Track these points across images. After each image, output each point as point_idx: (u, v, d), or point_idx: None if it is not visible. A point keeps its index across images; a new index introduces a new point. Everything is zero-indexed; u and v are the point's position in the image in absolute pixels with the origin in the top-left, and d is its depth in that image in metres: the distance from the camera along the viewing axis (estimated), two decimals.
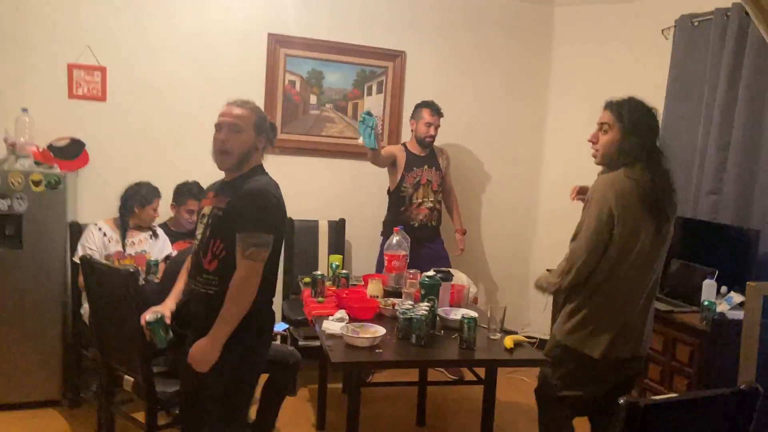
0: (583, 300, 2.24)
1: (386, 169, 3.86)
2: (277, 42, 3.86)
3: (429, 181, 3.84)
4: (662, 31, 3.84)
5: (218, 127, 2.18)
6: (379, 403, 3.55)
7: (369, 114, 3.41)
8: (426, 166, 3.84)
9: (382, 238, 3.84)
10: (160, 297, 2.76)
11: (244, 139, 2.15)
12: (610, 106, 2.30)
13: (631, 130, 2.21)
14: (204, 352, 2.00)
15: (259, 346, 2.15)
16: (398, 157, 3.82)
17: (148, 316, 2.12)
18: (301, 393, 3.58)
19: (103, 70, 3.61)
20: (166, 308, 2.20)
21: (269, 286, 2.15)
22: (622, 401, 1.30)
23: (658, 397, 1.35)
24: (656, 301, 3.12)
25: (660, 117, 3.62)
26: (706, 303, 2.84)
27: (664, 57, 3.81)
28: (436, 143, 3.91)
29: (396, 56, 4.11)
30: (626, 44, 4.15)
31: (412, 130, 3.88)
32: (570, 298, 2.29)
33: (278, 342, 3.46)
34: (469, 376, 3.14)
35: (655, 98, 3.79)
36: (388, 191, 3.89)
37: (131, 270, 2.33)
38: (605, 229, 2.15)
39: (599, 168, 2.35)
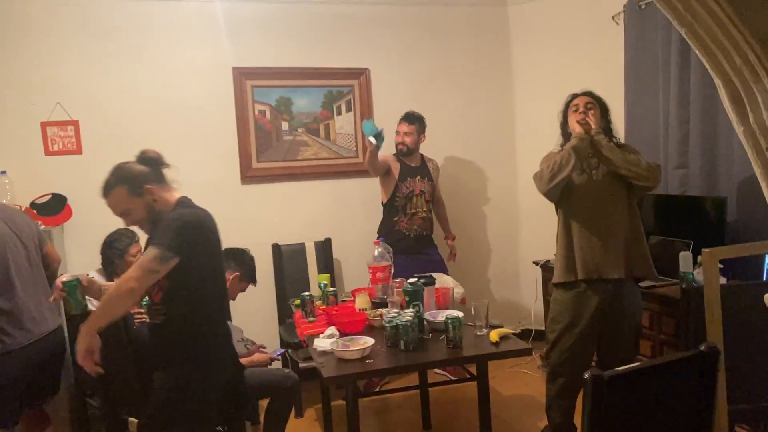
0: None
1: (378, 180, 3.94)
2: (242, 75, 3.96)
3: (422, 191, 3.89)
4: (613, 17, 3.96)
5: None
6: (385, 412, 3.61)
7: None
8: (419, 177, 3.90)
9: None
10: None
11: (137, 213, 2.15)
12: (588, 93, 2.83)
13: (605, 111, 2.80)
14: (78, 340, 1.97)
15: (201, 379, 2.11)
16: (392, 166, 3.88)
17: (65, 277, 2.13)
18: (307, 414, 3.64)
19: (75, 124, 3.70)
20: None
21: (208, 316, 2.18)
22: (586, 375, 1.37)
23: (621, 368, 1.42)
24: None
25: (622, 99, 3.86)
26: (683, 273, 2.92)
27: (618, 41, 3.92)
28: (425, 153, 4.01)
29: (360, 74, 4.21)
30: (581, 34, 4.26)
31: None
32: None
33: (276, 366, 3.51)
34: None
35: (615, 81, 3.92)
36: (382, 202, 3.95)
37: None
38: None
39: None
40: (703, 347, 1.46)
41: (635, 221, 2.72)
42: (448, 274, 3.88)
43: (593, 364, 2.83)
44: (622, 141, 2.90)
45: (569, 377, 2.74)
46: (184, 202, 2.20)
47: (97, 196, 3.66)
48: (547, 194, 2.75)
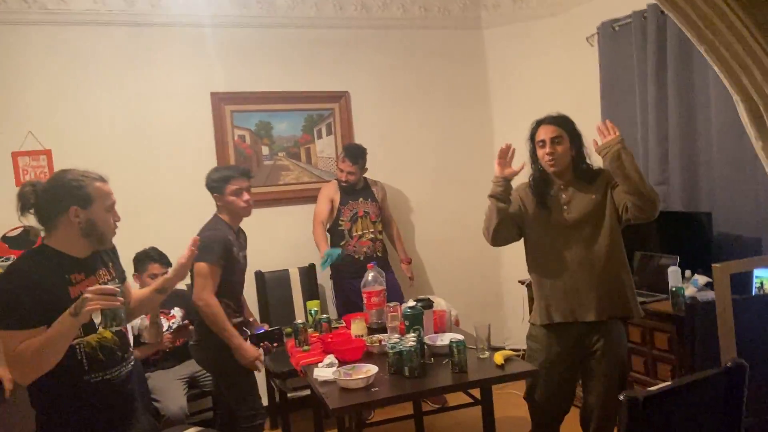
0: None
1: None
2: (220, 100, 3.90)
3: (366, 212, 3.88)
4: (587, 39, 4.05)
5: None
6: None
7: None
8: (361, 199, 3.90)
9: (331, 280, 3.90)
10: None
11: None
12: (553, 121, 2.56)
13: (575, 137, 2.55)
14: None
15: None
16: (333, 197, 3.87)
17: None
18: None
19: (48, 154, 3.56)
20: None
21: None
22: (622, 397, 1.35)
23: (654, 388, 1.40)
24: None
25: (598, 119, 3.91)
26: (674, 289, 2.96)
27: (593, 62, 4.00)
28: (371, 176, 4.01)
29: (340, 97, 4.19)
30: (556, 55, 4.34)
31: None
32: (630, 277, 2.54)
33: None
34: (462, 398, 3.16)
35: (591, 101, 4.00)
36: (328, 229, 3.89)
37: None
38: None
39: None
40: (730, 363, 1.46)
41: (618, 258, 2.51)
42: (403, 301, 3.79)
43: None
44: (598, 166, 2.63)
45: (550, 412, 2.62)
46: None
47: None
48: (496, 245, 2.66)
